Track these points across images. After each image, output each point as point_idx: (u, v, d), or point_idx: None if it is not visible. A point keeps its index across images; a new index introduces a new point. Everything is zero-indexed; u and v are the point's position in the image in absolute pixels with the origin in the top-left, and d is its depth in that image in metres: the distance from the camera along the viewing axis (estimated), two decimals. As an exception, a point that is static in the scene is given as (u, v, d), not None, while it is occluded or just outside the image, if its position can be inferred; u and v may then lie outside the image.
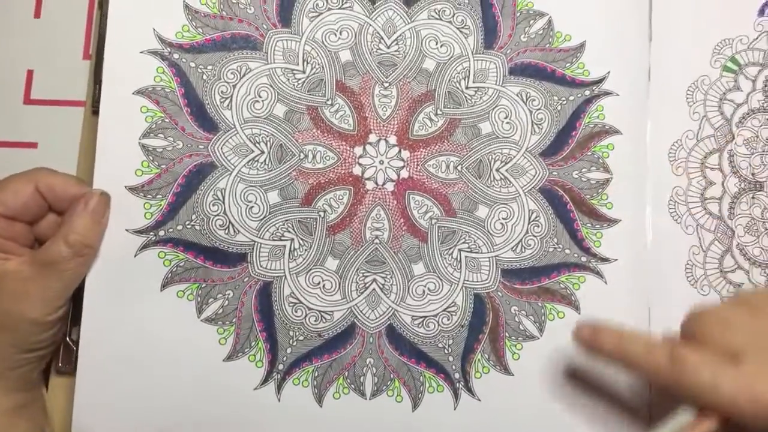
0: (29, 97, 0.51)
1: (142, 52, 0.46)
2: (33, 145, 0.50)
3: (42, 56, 0.51)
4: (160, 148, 0.45)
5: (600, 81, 0.48)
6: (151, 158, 0.45)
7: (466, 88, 0.48)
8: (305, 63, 0.47)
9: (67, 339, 0.45)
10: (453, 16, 0.48)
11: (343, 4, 0.47)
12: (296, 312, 0.45)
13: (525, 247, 0.47)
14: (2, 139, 0.50)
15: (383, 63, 0.48)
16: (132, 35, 0.46)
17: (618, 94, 0.48)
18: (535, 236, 0.47)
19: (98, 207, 0.43)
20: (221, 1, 0.47)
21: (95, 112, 0.47)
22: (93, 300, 0.44)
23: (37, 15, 0.52)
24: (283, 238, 0.46)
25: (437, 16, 0.48)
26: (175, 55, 0.46)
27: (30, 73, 0.51)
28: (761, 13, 0.50)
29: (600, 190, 0.48)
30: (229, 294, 0.45)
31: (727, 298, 0.47)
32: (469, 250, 0.47)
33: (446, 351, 0.46)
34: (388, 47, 0.48)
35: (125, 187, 0.45)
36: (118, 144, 0.45)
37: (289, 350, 0.45)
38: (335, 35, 0.47)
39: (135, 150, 0.45)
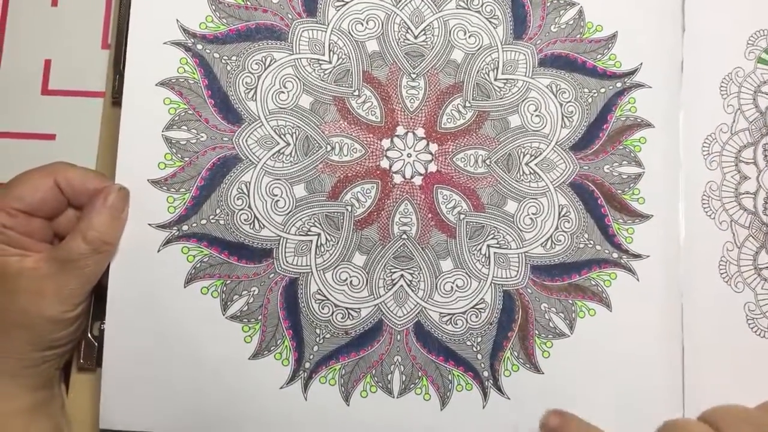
0: (47, 87, 0.50)
1: (165, 43, 0.45)
2: (51, 136, 0.50)
3: (60, 45, 0.51)
4: (184, 140, 0.44)
5: (632, 73, 0.48)
6: (174, 151, 0.44)
7: (495, 79, 0.47)
8: (331, 53, 0.46)
9: (89, 335, 0.45)
10: (482, 6, 0.47)
11: (370, -7, 0.47)
12: (323, 309, 0.45)
13: (555, 243, 0.46)
14: (20, 130, 0.50)
15: (411, 54, 0.47)
16: (155, 26, 0.45)
17: (650, 87, 0.48)
18: (565, 232, 0.46)
19: (117, 202, 0.43)
20: None
21: (115, 102, 0.47)
22: (116, 296, 0.43)
23: (55, 3, 0.51)
24: (309, 233, 0.45)
25: (466, 6, 0.47)
26: (199, 46, 0.45)
27: (48, 62, 0.50)
28: None
29: (632, 185, 0.47)
30: (254, 291, 0.44)
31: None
32: (498, 245, 0.46)
33: (475, 349, 0.45)
34: (416, 37, 0.47)
35: (148, 180, 0.44)
36: (140, 136, 0.44)
37: (315, 348, 0.45)
38: (362, 25, 0.46)
39: (158, 142, 0.44)
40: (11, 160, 0.49)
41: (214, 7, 0.46)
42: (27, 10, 0.51)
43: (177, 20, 0.45)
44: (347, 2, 0.46)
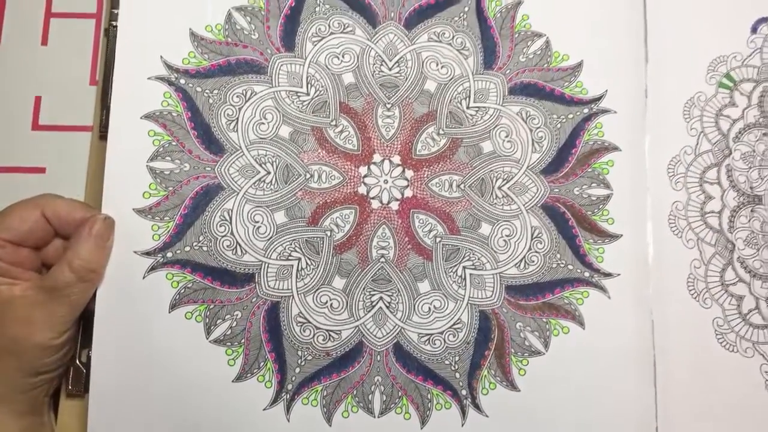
0: (37, 123, 0.52)
1: (149, 78, 0.47)
2: (41, 170, 0.51)
3: (49, 83, 0.52)
4: (168, 170, 0.46)
5: (598, 99, 0.49)
6: (158, 181, 0.46)
7: (467, 108, 0.49)
8: (309, 85, 0.48)
9: (77, 362, 0.45)
10: (452, 38, 0.49)
11: (345, 29, 0.48)
12: (304, 332, 0.46)
13: (528, 264, 0.48)
14: (11, 164, 0.51)
15: (385, 85, 0.48)
16: (140, 62, 0.47)
17: (616, 112, 0.49)
18: (538, 252, 0.48)
19: (102, 231, 0.44)
20: (226, 27, 0.48)
21: (103, 136, 0.48)
22: (103, 322, 0.44)
23: (44, 42, 0.53)
24: (290, 257, 0.46)
25: (437, 39, 0.49)
26: (182, 81, 0.47)
27: (38, 99, 0.52)
28: (754, 30, 0.51)
29: (601, 206, 0.48)
30: (237, 315, 0.45)
31: None
32: (473, 267, 0.47)
33: (453, 368, 0.46)
34: (390, 69, 0.49)
35: (133, 209, 0.45)
36: (126, 167, 0.46)
37: (297, 370, 0.45)
38: (338, 58, 0.48)
39: (143, 173, 0.46)
40: (3, 193, 0.50)
41: (196, 43, 0.47)
42: (17, 49, 0.53)
43: (161, 56, 0.47)
44: (324, 37, 0.48)
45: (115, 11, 0.48)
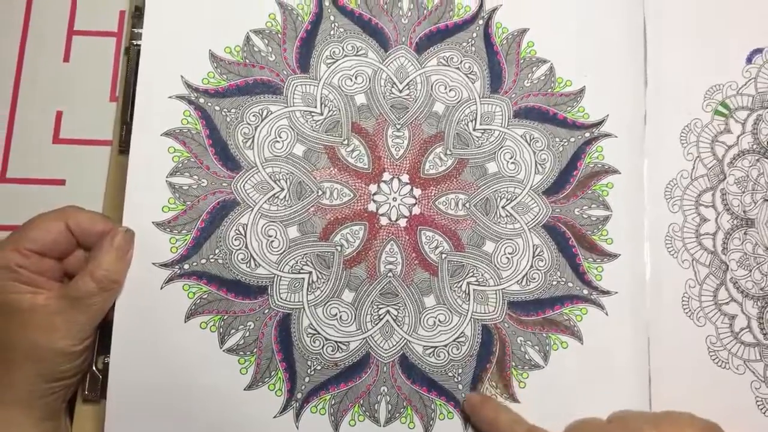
0: (58, 136, 0.53)
1: (170, 97, 0.48)
2: (61, 182, 0.53)
3: (71, 98, 0.54)
4: (186, 185, 0.48)
5: (599, 124, 0.51)
6: (177, 195, 0.48)
7: (474, 130, 0.51)
8: (323, 106, 0.50)
9: (94, 368, 0.47)
10: (461, 63, 0.51)
11: (358, 52, 0.51)
12: (314, 342, 0.48)
13: (530, 281, 0.50)
14: (32, 176, 0.53)
15: (396, 106, 0.51)
16: (161, 81, 0.49)
17: (616, 136, 0.51)
18: (539, 270, 0.50)
19: (123, 243, 0.45)
20: (244, 49, 0.50)
21: (122, 151, 0.50)
22: (121, 330, 0.46)
23: (66, 59, 0.54)
24: (302, 271, 0.48)
25: (446, 63, 0.51)
26: (201, 100, 0.49)
27: (59, 113, 0.54)
28: (749, 60, 0.53)
29: (600, 226, 0.50)
30: (250, 325, 0.47)
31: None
32: (477, 283, 0.49)
33: (456, 380, 0.48)
34: (401, 91, 0.51)
35: (152, 222, 0.47)
36: (146, 182, 0.47)
37: (307, 379, 0.47)
38: (351, 80, 0.50)
39: (162, 188, 0.47)
40: (25, 204, 0.52)
41: (215, 64, 0.49)
42: (40, 66, 0.54)
43: (181, 76, 0.49)
44: (337, 59, 0.50)
45: (136, 30, 0.50)
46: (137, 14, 0.51)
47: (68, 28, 0.55)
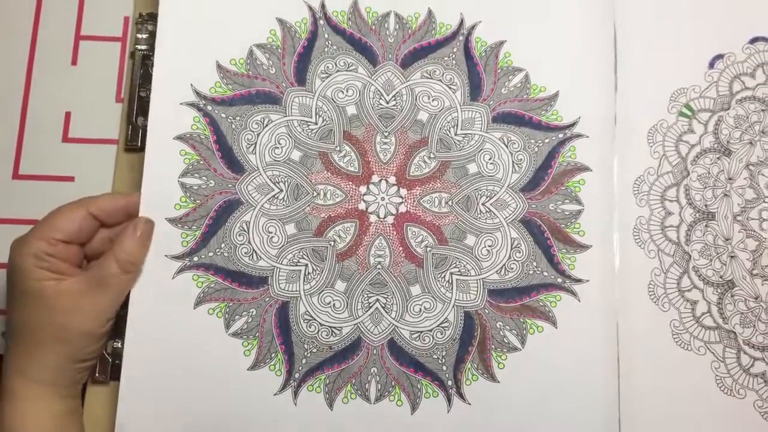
0: (67, 135, 0.56)
1: (181, 104, 0.52)
2: (70, 179, 0.55)
3: (78, 99, 0.56)
4: (196, 186, 0.52)
5: (572, 125, 0.54)
6: (188, 194, 0.51)
7: (455, 134, 0.54)
8: (317, 116, 0.54)
9: (104, 352, 0.50)
10: (443, 75, 0.54)
11: (349, 67, 0.54)
12: (310, 328, 0.51)
13: (508, 271, 0.53)
14: (43, 173, 0.55)
15: (383, 116, 0.54)
16: (173, 89, 0.52)
17: (588, 137, 0.54)
18: (516, 261, 0.53)
19: (145, 231, 0.49)
20: (248, 61, 0.53)
21: (128, 149, 0.53)
22: (136, 317, 0.49)
23: (74, 62, 0.57)
24: (299, 264, 0.52)
25: (429, 76, 0.54)
26: (209, 107, 0.53)
27: (68, 114, 0.56)
28: (711, 65, 0.55)
29: (573, 220, 0.53)
30: (252, 312, 0.51)
31: None
32: (459, 273, 0.53)
33: (440, 361, 0.51)
34: (388, 102, 0.54)
35: (166, 218, 0.51)
36: (160, 182, 0.51)
37: (304, 361, 0.51)
38: (343, 93, 0.54)
39: (175, 187, 0.51)
40: (36, 200, 0.54)
41: (221, 74, 0.53)
42: (49, 69, 0.56)
43: (191, 84, 0.52)
44: (331, 74, 0.54)
45: (140, 36, 0.54)
46: (141, 20, 0.54)
47: (75, 33, 0.57)
